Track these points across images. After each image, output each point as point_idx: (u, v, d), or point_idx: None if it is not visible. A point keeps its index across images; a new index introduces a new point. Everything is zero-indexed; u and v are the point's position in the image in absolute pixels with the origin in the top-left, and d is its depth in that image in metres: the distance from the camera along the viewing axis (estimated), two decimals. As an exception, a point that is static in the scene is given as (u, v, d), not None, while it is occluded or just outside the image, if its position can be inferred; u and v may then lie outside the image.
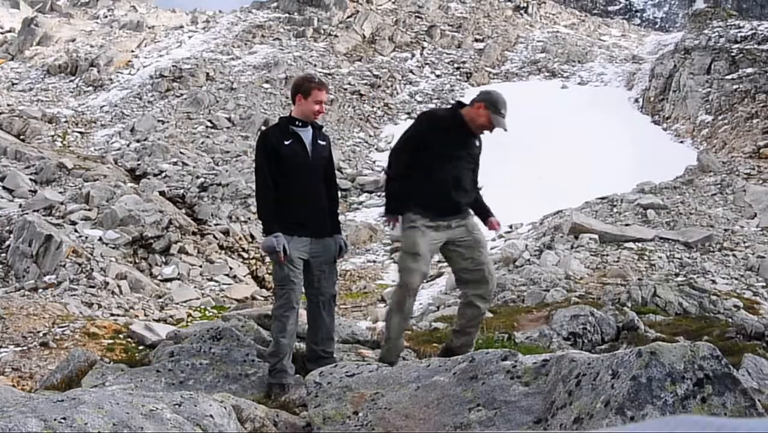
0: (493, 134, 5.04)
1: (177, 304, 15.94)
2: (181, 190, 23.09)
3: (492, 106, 4.89)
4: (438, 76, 39.73)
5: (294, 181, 4.82)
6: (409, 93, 37.73)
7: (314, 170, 4.90)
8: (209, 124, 31.78)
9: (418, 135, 4.96)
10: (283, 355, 4.77)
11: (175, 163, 25.98)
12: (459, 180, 4.95)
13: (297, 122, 4.89)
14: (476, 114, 4.92)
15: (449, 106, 5.22)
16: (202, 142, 29.56)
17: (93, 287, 15.67)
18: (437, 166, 4.88)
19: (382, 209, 5.36)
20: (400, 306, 4.92)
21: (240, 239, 19.54)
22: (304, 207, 4.84)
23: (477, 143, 5.09)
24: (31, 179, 22.50)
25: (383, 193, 5.12)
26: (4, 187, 21.60)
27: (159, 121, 32.01)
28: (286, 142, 4.82)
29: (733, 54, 32.46)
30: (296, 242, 4.78)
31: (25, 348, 11.57)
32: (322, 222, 4.94)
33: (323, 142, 5.00)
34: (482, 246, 5.06)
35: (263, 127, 30.68)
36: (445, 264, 18.08)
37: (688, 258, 15.45)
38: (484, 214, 5.20)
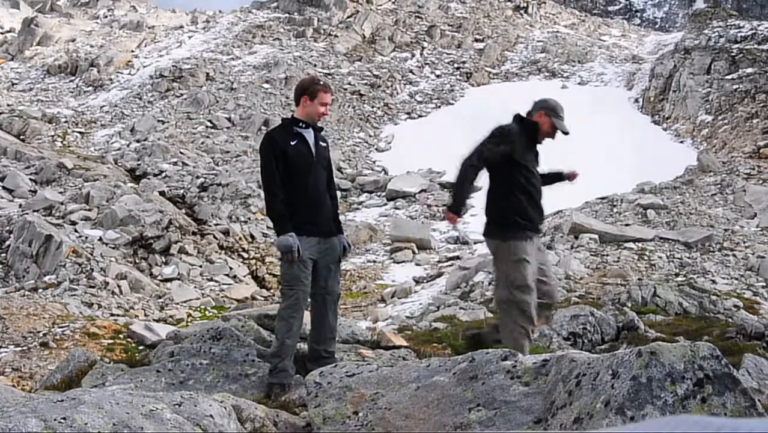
0: (555, 140, 5.16)
1: (177, 304, 15.94)
2: (181, 191, 23.08)
3: (552, 112, 5.06)
4: (438, 76, 39.72)
5: (301, 182, 4.85)
6: (409, 93, 37.72)
7: (319, 171, 4.95)
8: (209, 124, 31.78)
9: (500, 148, 4.94)
10: (286, 355, 4.78)
11: (175, 163, 25.97)
12: (541, 191, 5.10)
13: (300, 123, 4.93)
14: (540, 123, 5.05)
15: (515, 121, 5.18)
16: (202, 142, 29.56)
17: (93, 287, 15.66)
18: (526, 180, 4.98)
19: (446, 203, 5.48)
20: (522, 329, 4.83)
21: (240, 239, 19.53)
22: (311, 207, 4.87)
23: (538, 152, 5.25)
24: (31, 179, 22.50)
25: (452, 189, 5.13)
26: (4, 188, 21.60)
27: (159, 121, 32.01)
28: (292, 143, 4.86)
29: (733, 54, 32.46)
30: (305, 242, 4.79)
31: (25, 348, 11.57)
32: (328, 221, 4.99)
33: (324, 144, 5.07)
34: (550, 265, 5.23)
35: (263, 128, 30.72)
36: (447, 264, 18.07)
37: (688, 258, 15.45)
38: (558, 175, 5.39)
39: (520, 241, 4.91)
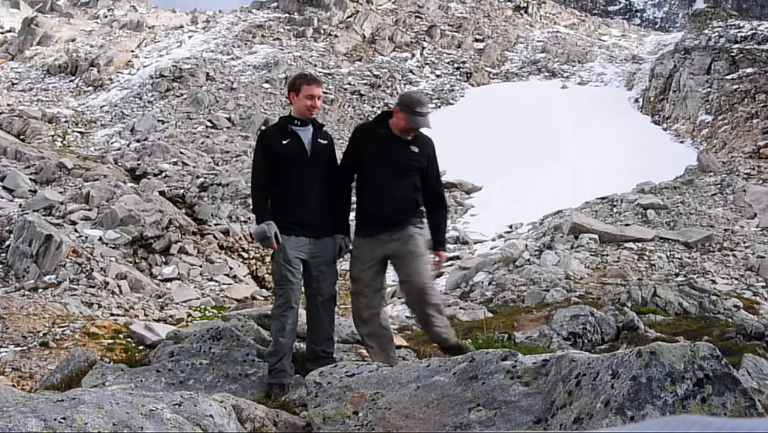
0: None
1: (177, 304, 15.94)
2: (181, 190, 23.08)
3: (407, 108, 4.72)
4: (438, 76, 39.74)
5: (292, 181, 4.78)
6: (409, 93, 37.75)
7: (313, 170, 4.83)
8: (209, 124, 31.79)
9: (349, 149, 4.93)
10: (283, 355, 4.75)
11: (175, 163, 25.97)
12: (386, 192, 4.76)
13: (296, 121, 4.86)
14: (396, 120, 4.77)
15: (377, 116, 5.07)
16: (202, 142, 29.56)
17: (93, 287, 15.67)
18: (367, 179, 4.82)
19: None
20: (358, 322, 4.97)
21: (240, 239, 19.54)
22: (302, 207, 4.79)
23: (414, 149, 4.84)
24: (31, 179, 22.50)
25: None
26: (4, 187, 21.59)
27: (159, 121, 32.02)
28: (284, 141, 4.80)
29: (733, 54, 32.47)
30: (294, 241, 4.75)
31: (25, 348, 11.57)
32: (321, 222, 4.87)
33: (324, 141, 4.94)
34: (414, 257, 4.76)
35: (263, 127, 30.71)
36: (447, 264, 18.11)
37: (688, 258, 15.45)
38: (434, 240, 4.98)
39: (354, 239, 5.07)
